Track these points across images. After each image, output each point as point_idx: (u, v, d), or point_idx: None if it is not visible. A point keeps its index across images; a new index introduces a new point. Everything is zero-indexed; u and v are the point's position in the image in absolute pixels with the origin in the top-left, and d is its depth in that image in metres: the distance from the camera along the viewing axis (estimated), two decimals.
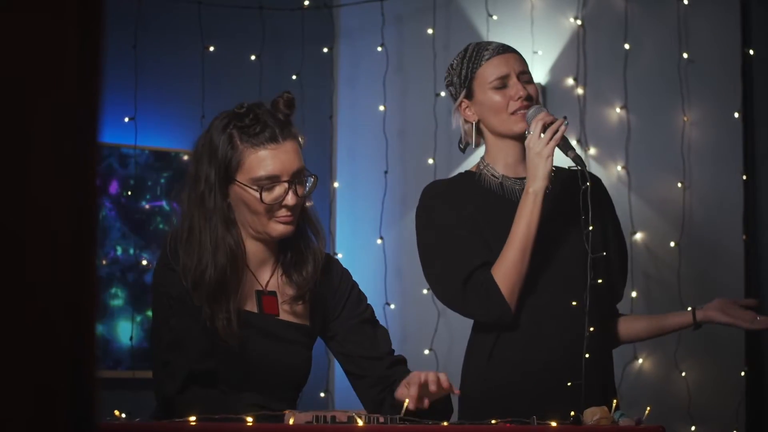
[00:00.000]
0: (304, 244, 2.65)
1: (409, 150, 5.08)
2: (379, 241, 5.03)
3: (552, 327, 2.89)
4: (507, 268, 2.83)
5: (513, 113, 2.93)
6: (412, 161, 5.05)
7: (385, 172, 5.06)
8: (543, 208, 2.85)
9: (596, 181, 3.13)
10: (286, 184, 2.54)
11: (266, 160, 2.53)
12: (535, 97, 2.98)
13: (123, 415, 2.51)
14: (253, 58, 4.99)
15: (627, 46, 4.83)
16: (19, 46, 0.95)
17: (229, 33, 4.98)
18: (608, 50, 4.85)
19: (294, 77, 5.04)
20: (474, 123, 3.00)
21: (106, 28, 1.00)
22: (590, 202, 2.85)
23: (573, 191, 2.92)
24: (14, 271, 0.94)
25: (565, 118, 2.93)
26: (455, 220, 2.91)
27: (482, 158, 3.04)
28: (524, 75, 2.99)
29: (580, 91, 4.84)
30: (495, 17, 4.95)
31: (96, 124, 1.00)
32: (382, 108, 5.09)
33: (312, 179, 2.60)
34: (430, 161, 4.94)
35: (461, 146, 3.10)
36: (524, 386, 2.86)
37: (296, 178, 2.56)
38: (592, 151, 4.81)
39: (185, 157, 4.82)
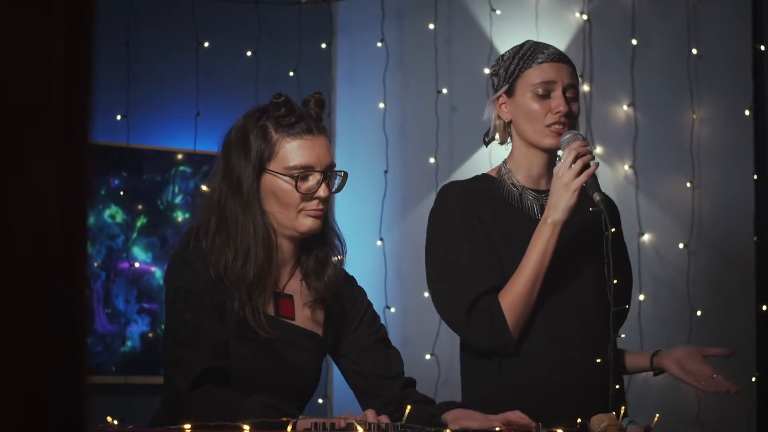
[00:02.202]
0: (326, 249, 2.68)
1: (409, 149, 5.09)
2: (379, 243, 5.03)
3: (559, 348, 2.88)
4: (515, 298, 2.81)
5: (548, 126, 2.88)
6: (413, 160, 5.05)
7: (385, 172, 5.06)
8: (559, 239, 2.81)
9: (613, 207, 3.11)
10: (319, 176, 2.58)
11: (302, 149, 2.57)
12: (577, 116, 2.93)
13: (115, 422, 2.51)
14: (249, 54, 4.99)
15: (634, 42, 4.83)
16: (5, 44, 0.95)
17: (225, 28, 4.98)
18: (615, 46, 4.86)
19: (291, 74, 5.04)
20: (505, 121, 2.96)
21: (97, 24, 1.00)
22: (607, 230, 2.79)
23: (595, 221, 2.88)
24: (2, 273, 0.94)
25: (593, 157, 2.85)
26: (469, 234, 2.88)
27: (504, 162, 2.99)
28: (571, 89, 2.91)
29: (586, 88, 4.84)
30: (498, 12, 4.95)
31: (87, 122, 1.00)
32: (382, 105, 5.09)
33: (341, 176, 2.63)
34: (432, 160, 4.94)
35: (486, 140, 3.06)
36: (528, 399, 2.85)
37: (328, 172, 2.60)
38: (599, 149, 4.81)
39: (179, 156, 4.82)
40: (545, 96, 2.89)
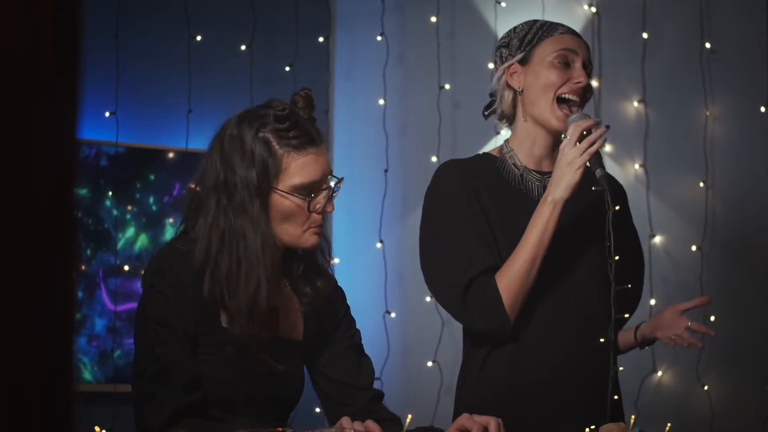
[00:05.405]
0: (316, 257, 2.66)
1: (410, 147, 5.09)
2: (378, 245, 5.03)
3: (555, 344, 2.88)
4: (512, 278, 2.81)
5: (563, 98, 2.89)
6: (414, 159, 5.05)
7: (385, 171, 5.06)
8: (560, 219, 2.81)
9: (619, 188, 3.12)
10: (326, 191, 2.55)
11: (308, 165, 2.52)
12: (590, 97, 2.96)
13: (104, 431, 2.51)
14: (243, 48, 5.00)
15: (645, 36, 4.83)
16: None
17: (218, 21, 4.98)
18: (625, 40, 4.86)
19: (287, 69, 5.05)
20: (516, 92, 2.96)
21: (85, 16, 1.00)
22: (610, 214, 2.80)
23: (598, 204, 2.88)
24: None
25: (607, 127, 2.87)
26: (466, 213, 2.89)
27: (506, 142, 3.01)
28: (589, 66, 2.95)
29: (595, 83, 4.84)
30: (503, 4, 4.95)
31: (74, 119, 1.00)
32: (381, 102, 5.09)
33: (339, 182, 2.60)
34: (434, 159, 4.94)
35: (486, 112, 3.06)
36: (515, 403, 2.85)
37: (332, 183, 2.58)
38: (608, 148, 4.81)
39: (170, 155, 4.83)
40: (564, 65, 2.91)
